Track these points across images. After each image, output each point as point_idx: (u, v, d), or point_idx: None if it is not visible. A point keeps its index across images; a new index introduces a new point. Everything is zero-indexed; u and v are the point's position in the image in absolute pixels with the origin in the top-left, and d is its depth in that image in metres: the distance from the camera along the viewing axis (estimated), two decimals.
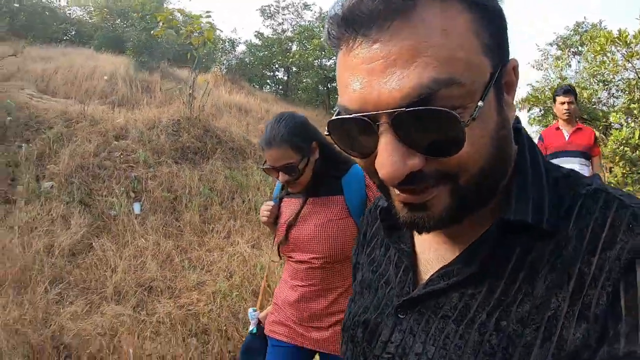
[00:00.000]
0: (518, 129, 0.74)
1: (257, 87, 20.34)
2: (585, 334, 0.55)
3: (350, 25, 0.59)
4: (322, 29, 21.51)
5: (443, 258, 0.73)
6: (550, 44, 14.49)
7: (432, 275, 0.72)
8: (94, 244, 5.42)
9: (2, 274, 4.67)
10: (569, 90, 4.96)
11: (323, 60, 20.58)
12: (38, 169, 6.64)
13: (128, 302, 4.49)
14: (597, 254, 0.59)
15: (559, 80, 11.49)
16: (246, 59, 21.71)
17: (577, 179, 0.69)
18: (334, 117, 0.64)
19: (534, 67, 14.36)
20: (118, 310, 4.31)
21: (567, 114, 4.93)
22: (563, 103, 4.94)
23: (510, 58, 0.66)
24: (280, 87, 22.36)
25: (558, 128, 5.09)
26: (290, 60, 20.41)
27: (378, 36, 0.57)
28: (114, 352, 3.86)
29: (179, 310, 4.38)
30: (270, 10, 22.35)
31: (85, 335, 3.99)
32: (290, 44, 21.45)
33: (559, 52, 13.90)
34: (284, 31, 21.99)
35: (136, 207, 6.19)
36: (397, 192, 0.65)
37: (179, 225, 6.09)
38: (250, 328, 2.34)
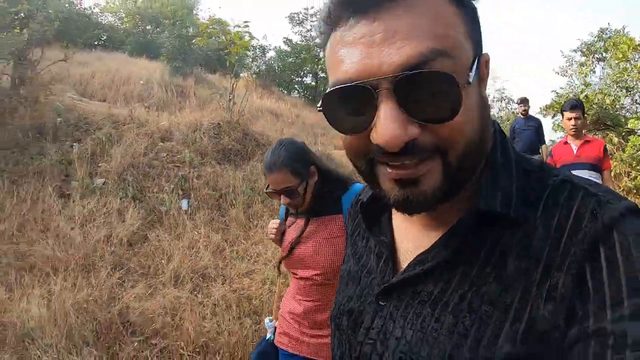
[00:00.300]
0: (492, 122, 0.78)
1: (286, 92, 20.70)
2: (554, 314, 0.59)
3: (351, 4, 0.62)
4: None
5: (420, 247, 0.76)
6: (575, 50, 14.62)
7: (409, 262, 0.76)
8: (148, 235, 5.91)
9: (66, 259, 5.15)
10: (576, 106, 4.94)
11: None
12: (90, 166, 7.11)
13: (185, 286, 4.94)
14: (563, 241, 0.62)
15: (582, 86, 11.61)
16: (275, 65, 22.01)
17: (547, 171, 0.73)
18: (330, 89, 0.65)
19: (558, 73, 14.50)
20: (176, 293, 4.76)
21: (574, 129, 4.92)
22: (570, 119, 4.92)
23: (483, 52, 0.71)
24: (308, 92, 22.57)
25: (566, 142, 5.05)
26: (320, 66, 20.62)
27: (377, 15, 0.60)
28: (176, 329, 4.30)
29: (232, 293, 4.81)
30: (299, 18, 22.59)
31: (149, 314, 4.44)
32: (318, 51, 21.47)
33: (583, 59, 13.97)
34: (312, 38, 22.09)
35: (184, 204, 6.63)
36: (389, 170, 0.66)
37: (225, 221, 6.54)
38: (268, 336, 2.44)
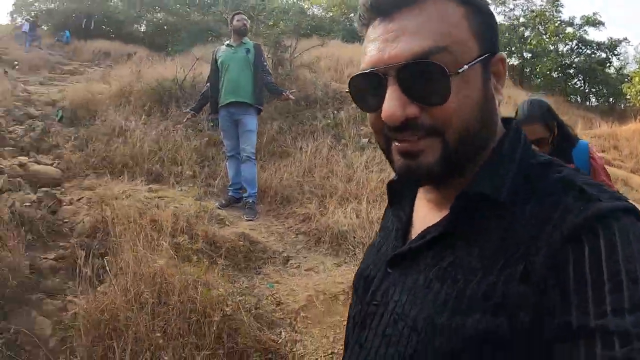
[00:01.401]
0: (510, 121, 0.86)
1: None
2: (525, 295, 0.63)
3: (376, 9, 0.76)
4: (554, 12, 20.67)
5: (428, 224, 0.82)
6: None
7: (415, 236, 0.84)
8: None
9: (360, 191, 6.54)
10: None
11: (559, 45, 19.89)
12: (354, 129, 8.44)
13: None
14: (546, 229, 0.66)
15: None
16: None
17: (552, 167, 0.76)
18: (353, 75, 0.78)
19: None
20: None
21: None
22: None
23: (499, 52, 0.79)
24: (515, 72, 21.44)
25: None
26: (527, 46, 20.11)
27: (394, 17, 0.74)
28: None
29: None
30: None
31: None
32: (523, 30, 20.91)
33: None
34: (517, 17, 21.46)
35: None
36: (396, 143, 0.77)
37: None
38: None
